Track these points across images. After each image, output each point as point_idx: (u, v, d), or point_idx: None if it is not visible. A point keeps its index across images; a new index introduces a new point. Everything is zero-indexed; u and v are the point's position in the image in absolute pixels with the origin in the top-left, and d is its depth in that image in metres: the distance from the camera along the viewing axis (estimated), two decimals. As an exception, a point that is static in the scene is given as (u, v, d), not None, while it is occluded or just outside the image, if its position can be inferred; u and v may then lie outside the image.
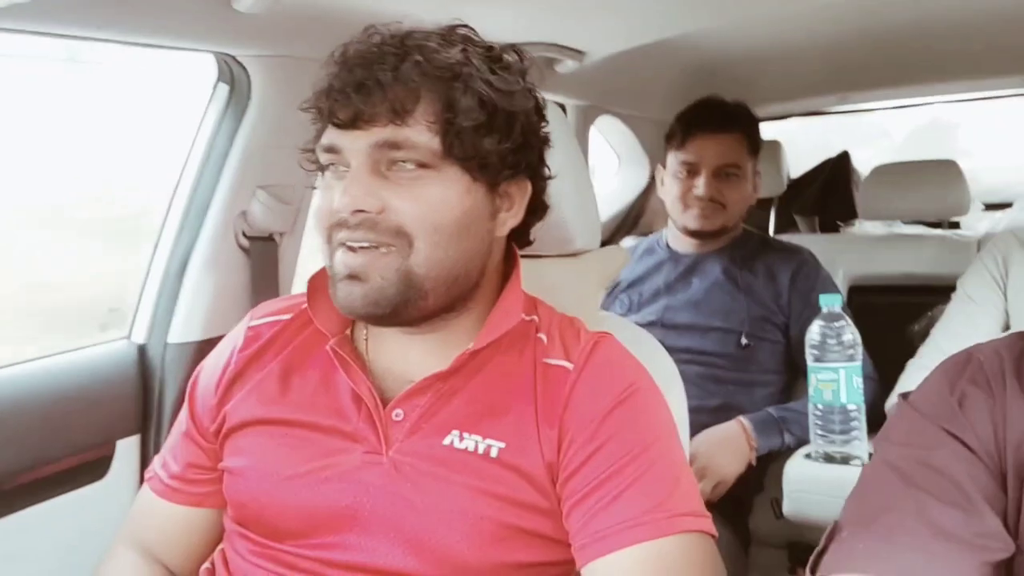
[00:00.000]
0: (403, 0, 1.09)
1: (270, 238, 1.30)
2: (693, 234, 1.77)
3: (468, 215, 0.78)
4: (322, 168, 0.80)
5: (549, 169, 0.87)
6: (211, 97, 1.25)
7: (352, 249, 0.77)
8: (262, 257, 1.29)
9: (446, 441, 0.79)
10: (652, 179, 2.29)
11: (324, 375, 0.85)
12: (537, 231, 0.93)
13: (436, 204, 0.76)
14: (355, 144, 0.76)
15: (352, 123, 0.76)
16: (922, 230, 2.23)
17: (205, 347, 1.10)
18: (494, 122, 0.77)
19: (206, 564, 0.91)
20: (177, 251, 1.26)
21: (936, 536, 0.56)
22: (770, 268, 1.73)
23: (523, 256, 0.91)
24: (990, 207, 2.49)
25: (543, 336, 0.85)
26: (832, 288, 1.68)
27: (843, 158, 2.49)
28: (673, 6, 1.51)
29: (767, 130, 2.65)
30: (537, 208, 0.88)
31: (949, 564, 0.55)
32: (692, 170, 1.74)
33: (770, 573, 1.70)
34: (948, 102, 2.59)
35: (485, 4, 1.24)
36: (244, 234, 1.28)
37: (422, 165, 0.76)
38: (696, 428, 1.54)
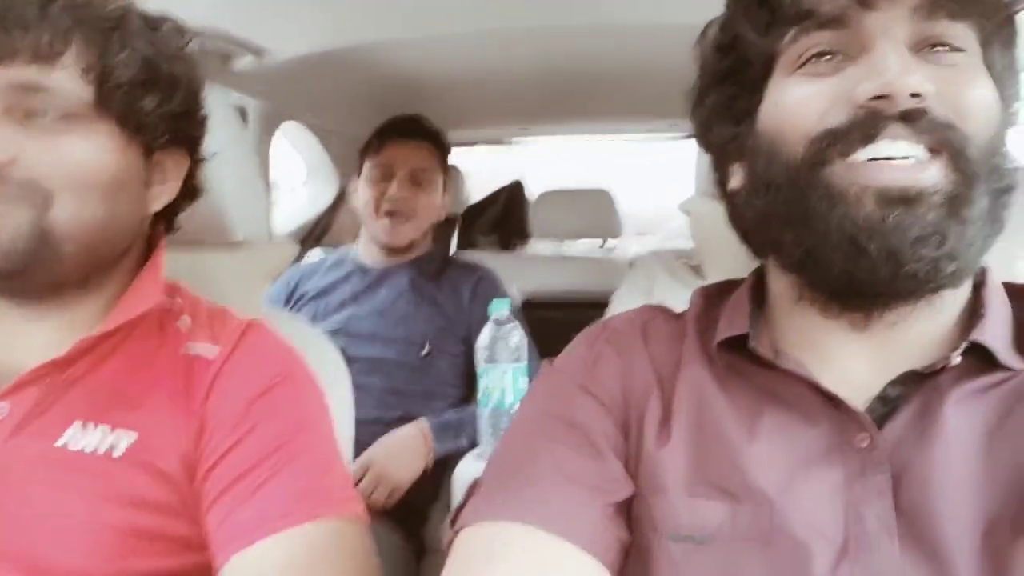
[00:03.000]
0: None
1: None
2: (384, 246, 1.80)
3: (120, 176, 0.72)
4: None
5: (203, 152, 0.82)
6: None
7: None
8: None
9: (60, 441, 0.69)
10: (341, 193, 2.27)
11: None
12: (193, 218, 0.86)
13: (83, 158, 0.69)
14: None
15: None
16: (584, 252, 2.48)
17: None
18: (156, 81, 0.72)
19: None
20: None
21: (567, 481, 0.59)
22: (454, 282, 1.80)
23: (179, 244, 0.84)
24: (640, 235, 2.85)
25: (184, 324, 0.79)
26: (506, 293, 1.80)
27: (517, 186, 2.69)
28: (359, 14, 1.51)
29: (452, 157, 2.79)
30: (191, 190, 0.82)
31: (577, 504, 0.58)
32: (386, 174, 1.79)
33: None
34: (612, 139, 2.88)
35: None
36: None
37: (66, 115, 0.68)
38: (375, 439, 1.54)
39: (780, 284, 0.65)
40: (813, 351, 0.62)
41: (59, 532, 0.67)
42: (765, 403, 0.61)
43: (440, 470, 1.58)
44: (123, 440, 0.71)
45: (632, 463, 0.63)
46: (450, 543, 0.61)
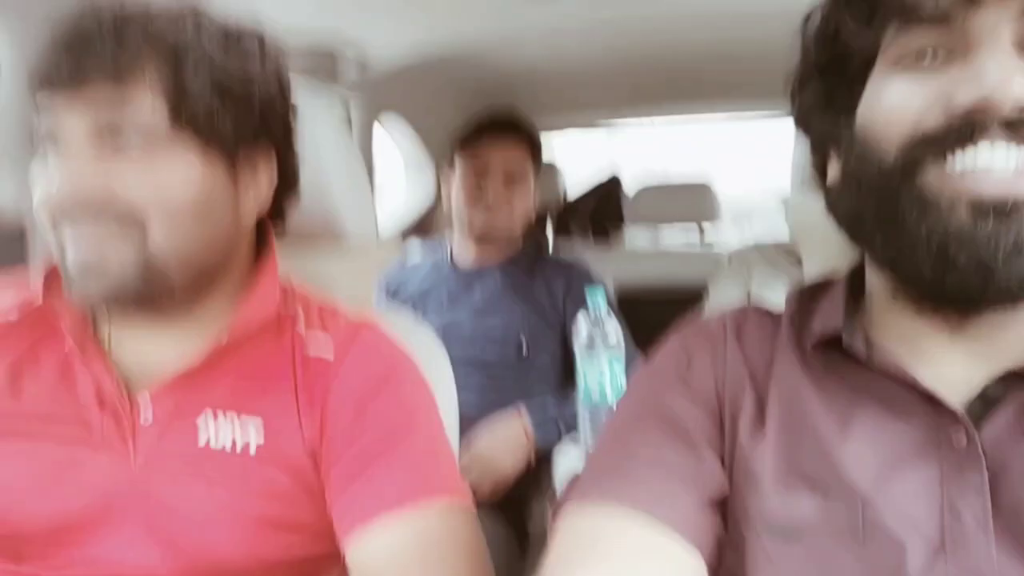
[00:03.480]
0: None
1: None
2: (479, 239, 1.81)
3: (207, 192, 0.73)
4: (42, 142, 0.71)
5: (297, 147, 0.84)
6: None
7: (80, 238, 0.69)
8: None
9: (200, 439, 0.75)
10: (438, 186, 2.32)
11: (62, 375, 0.77)
12: (303, 217, 0.90)
13: (169, 180, 0.70)
14: (71, 113, 0.69)
15: (66, 85, 0.68)
16: (680, 244, 2.45)
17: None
18: (226, 86, 0.73)
19: None
20: None
21: (667, 472, 0.61)
22: (547, 278, 1.81)
23: (289, 243, 0.88)
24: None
25: (301, 328, 0.82)
26: (601, 279, 1.80)
27: (614, 181, 2.67)
28: (456, 15, 1.56)
29: (547, 142, 2.80)
30: (289, 183, 0.84)
31: (677, 494, 0.60)
32: (481, 171, 1.80)
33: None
34: (707, 121, 2.84)
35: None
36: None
37: (150, 138, 0.70)
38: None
39: (876, 280, 0.65)
40: (909, 348, 0.61)
41: (207, 523, 0.73)
42: (859, 400, 0.61)
43: (542, 462, 1.60)
44: (252, 442, 0.75)
45: (727, 459, 0.64)
46: (554, 525, 0.63)
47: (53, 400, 0.75)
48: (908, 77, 0.57)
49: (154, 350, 0.78)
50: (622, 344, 1.42)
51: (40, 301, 0.77)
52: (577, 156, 2.81)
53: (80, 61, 0.67)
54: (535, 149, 1.88)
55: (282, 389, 0.78)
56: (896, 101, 0.57)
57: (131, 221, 0.69)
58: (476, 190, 1.80)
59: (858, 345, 0.62)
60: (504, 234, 1.82)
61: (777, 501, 0.59)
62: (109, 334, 0.80)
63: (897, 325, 0.63)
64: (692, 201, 2.32)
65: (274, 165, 0.81)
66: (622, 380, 1.40)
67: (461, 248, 1.87)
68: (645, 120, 2.71)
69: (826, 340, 0.64)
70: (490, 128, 1.84)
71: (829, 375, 0.63)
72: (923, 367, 0.60)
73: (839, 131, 0.62)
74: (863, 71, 0.61)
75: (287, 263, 0.92)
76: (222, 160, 0.74)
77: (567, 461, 1.39)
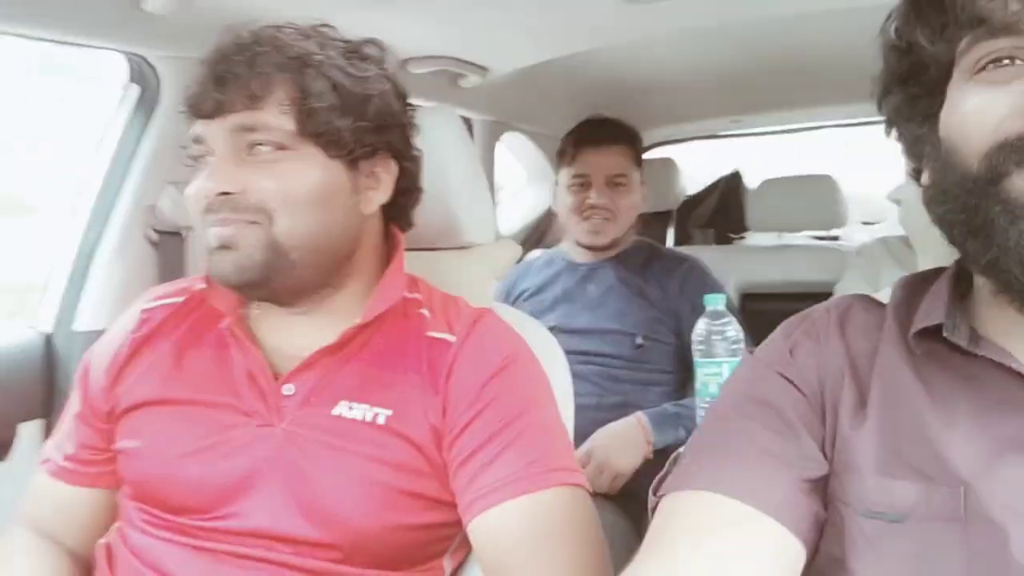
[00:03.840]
0: (310, 6, 1.16)
1: (178, 233, 1.34)
2: (587, 244, 1.88)
3: (325, 189, 0.84)
4: (197, 159, 0.85)
5: (419, 151, 0.95)
6: (122, 97, 1.30)
7: (221, 225, 0.82)
8: (170, 251, 1.33)
9: (335, 411, 0.84)
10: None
11: (217, 354, 0.89)
12: (428, 224, 0.99)
13: (292, 180, 0.82)
14: (215, 131, 0.83)
15: (213, 113, 0.82)
16: (806, 241, 2.39)
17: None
18: (347, 104, 0.84)
19: (102, 541, 0.93)
20: (85, 244, 1.29)
21: (760, 455, 0.63)
22: (660, 274, 1.85)
23: (414, 248, 0.97)
24: (866, 224, 2.69)
25: (426, 311, 0.91)
26: (718, 290, 1.79)
27: (735, 176, 2.65)
28: (572, 26, 1.61)
29: (664, 151, 2.80)
30: (409, 187, 0.94)
31: (771, 477, 0.62)
32: (584, 182, 1.86)
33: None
34: (829, 127, 2.77)
35: (389, 18, 1.31)
36: (154, 228, 1.32)
37: (280, 147, 0.82)
38: (595, 425, 1.62)
39: (978, 276, 0.65)
40: (1013, 341, 0.61)
41: (339, 487, 0.82)
42: (963, 389, 0.61)
43: (663, 459, 1.63)
44: (381, 415, 0.84)
45: (828, 444, 0.65)
46: (653, 510, 0.66)
47: (209, 374, 0.88)
48: (986, 85, 0.57)
49: (296, 335, 0.89)
50: (741, 342, 1.43)
51: (201, 286, 0.91)
52: (700, 166, 2.79)
53: (221, 93, 0.82)
54: (635, 150, 1.92)
55: (408, 368, 0.87)
56: (976, 110, 0.57)
57: (260, 212, 0.81)
58: (579, 198, 1.86)
59: (962, 335, 0.62)
60: (610, 238, 1.86)
61: (879, 487, 0.60)
62: (258, 319, 0.92)
63: (1000, 319, 0.63)
64: (816, 198, 2.23)
65: (393, 171, 0.91)
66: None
67: (575, 248, 1.94)
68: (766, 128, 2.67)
69: (929, 330, 0.63)
70: (589, 136, 1.89)
71: (932, 364, 0.64)
72: None
73: (925, 138, 0.63)
74: (942, 80, 0.61)
75: (413, 267, 1.01)
76: (341, 163, 0.85)
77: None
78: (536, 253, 2.15)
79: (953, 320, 0.63)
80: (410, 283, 0.95)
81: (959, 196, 0.58)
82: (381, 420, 0.84)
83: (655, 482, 0.69)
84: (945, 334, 0.63)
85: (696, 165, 2.77)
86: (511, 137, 2.39)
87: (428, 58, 1.61)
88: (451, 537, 0.87)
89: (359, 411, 0.84)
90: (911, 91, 0.64)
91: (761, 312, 2.13)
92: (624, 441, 1.60)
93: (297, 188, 0.83)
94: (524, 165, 2.60)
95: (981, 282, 0.64)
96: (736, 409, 0.68)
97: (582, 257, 1.92)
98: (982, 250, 0.57)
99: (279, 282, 0.84)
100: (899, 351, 0.66)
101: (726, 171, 2.70)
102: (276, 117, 0.82)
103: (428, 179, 0.98)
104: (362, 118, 0.85)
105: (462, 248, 1.14)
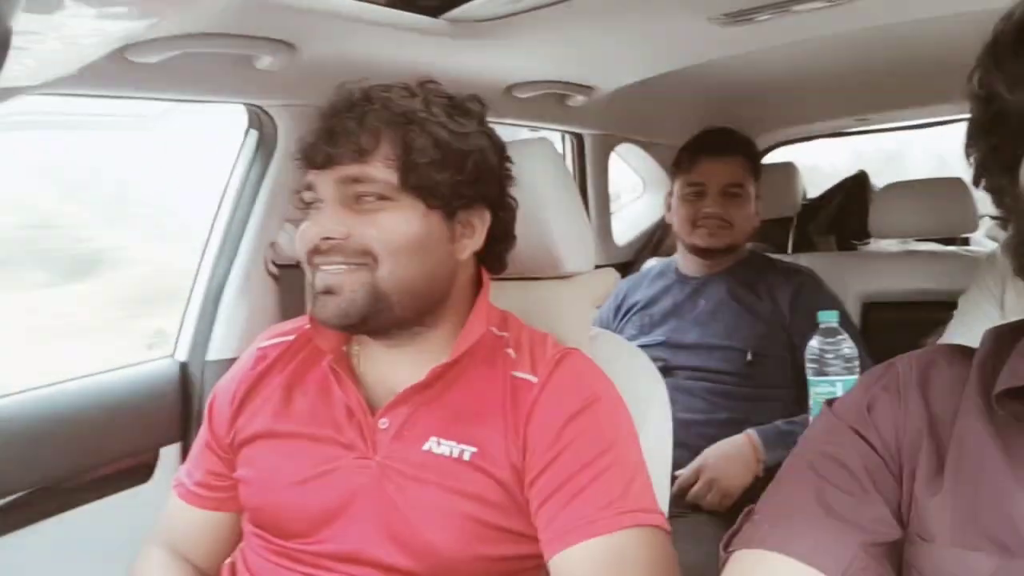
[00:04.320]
0: (413, 47, 1.22)
1: (297, 266, 1.41)
2: (702, 252, 1.86)
3: (424, 238, 0.89)
4: (308, 205, 0.92)
5: (514, 201, 0.98)
6: (243, 143, 1.40)
7: (326, 270, 0.89)
8: (290, 283, 1.42)
9: (425, 447, 0.89)
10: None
11: (322, 389, 0.96)
12: (526, 254, 1.03)
13: (394, 228, 0.88)
14: (325, 181, 0.89)
15: (324, 165, 0.89)
16: (933, 247, 2.26)
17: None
18: (447, 159, 0.89)
19: (229, 560, 1.01)
20: (215, 278, 1.40)
21: (828, 516, 0.62)
22: (772, 288, 1.82)
23: (513, 278, 1.01)
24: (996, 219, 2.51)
25: (511, 350, 0.94)
26: (832, 305, 1.71)
27: (860, 177, 2.54)
28: (674, 45, 1.60)
29: (785, 153, 2.72)
30: (502, 235, 0.98)
31: (837, 540, 0.61)
32: (700, 191, 1.84)
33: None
34: (958, 120, 2.61)
35: (492, 47, 1.35)
36: (274, 262, 1.42)
37: (383, 197, 0.88)
38: (706, 440, 1.62)
39: None
40: None
41: (424, 515, 0.87)
42: None
43: (773, 473, 1.60)
44: (467, 451, 0.89)
45: (904, 509, 0.63)
46: (724, 564, 0.66)
47: (314, 409, 0.95)
48: None
49: (392, 371, 0.95)
50: (856, 360, 1.39)
51: (309, 326, 0.97)
52: (820, 163, 2.70)
53: (332, 147, 0.88)
54: (753, 161, 1.91)
55: (492, 407, 0.90)
56: None
57: (364, 257, 0.87)
58: (694, 207, 1.85)
59: None
60: (725, 243, 1.85)
61: (953, 558, 0.58)
62: (359, 356, 0.98)
63: None
64: (945, 202, 2.09)
65: (487, 219, 0.95)
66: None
67: (686, 261, 1.93)
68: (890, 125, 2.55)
69: (1016, 390, 0.60)
70: (706, 146, 1.88)
71: (1014, 427, 0.60)
72: None
73: (1006, 190, 0.60)
74: (1022, 131, 0.58)
75: (513, 297, 1.05)
76: (440, 213, 0.90)
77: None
78: (652, 262, 2.14)
79: None
80: (500, 320, 0.99)
81: None
82: (467, 456, 0.88)
83: (726, 537, 0.69)
84: None
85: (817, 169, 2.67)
86: (625, 148, 2.39)
87: (532, 83, 1.64)
88: (535, 569, 0.90)
89: (447, 447, 0.89)
90: (992, 141, 0.61)
91: (885, 322, 2.06)
92: (734, 459, 1.59)
93: (398, 236, 0.88)
94: (639, 174, 2.59)
95: None
96: (809, 465, 0.67)
97: (694, 270, 1.90)
98: None
99: (377, 321, 0.90)
100: (980, 413, 0.62)
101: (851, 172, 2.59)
102: (381, 171, 0.88)
103: (525, 209, 1.01)
104: (460, 172, 0.90)
105: (560, 277, 1.16)
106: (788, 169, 2.38)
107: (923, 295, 2.04)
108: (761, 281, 1.84)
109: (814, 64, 1.95)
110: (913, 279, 2.09)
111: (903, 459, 0.64)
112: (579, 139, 2.23)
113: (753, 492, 1.58)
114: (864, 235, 2.36)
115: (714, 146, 1.87)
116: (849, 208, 2.46)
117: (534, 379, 0.91)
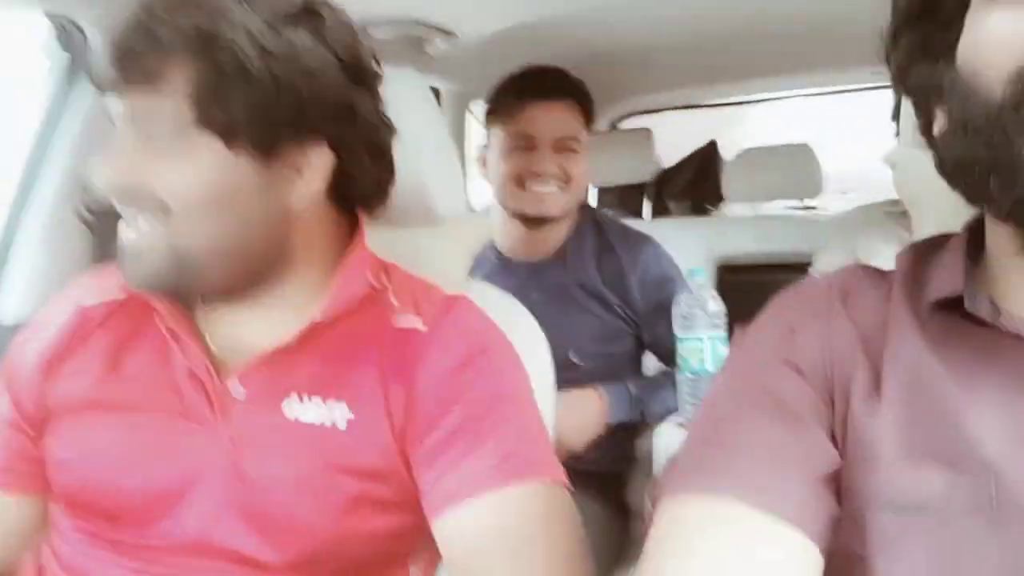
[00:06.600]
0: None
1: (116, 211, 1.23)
2: (532, 222, 1.56)
3: (229, 187, 0.73)
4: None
5: (381, 127, 0.83)
6: (46, 62, 1.19)
7: (126, 222, 0.74)
8: (108, 232, 1.21)
9: (290, 414, 0.76)
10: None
11: (158, 352, 0.80)
12: (395, 197, 0.90)
13: (187, 176, 0.71)
14: (119, 111, 0.73)
15: (116, 89, 0.73)
16: (782, 211, 2.36)
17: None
18: (259, 86, 0.71)
19: (28, 555, 0.84)
20: (10, 228, 1.19)
21: (772, 455, 0.58)
22: (616, 270, 1.59)
23: (381, 223, 0.88)
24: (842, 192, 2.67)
25: (394, 300, 0.83)
26: (677, 271, 1.62)
27: (711, 146, 2.63)
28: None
29: (641, 122, 2.74)
30: (362, 173, 0.81)
31: (784, 479, 0.57)
32: (528, 143, 1.54)
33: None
34: (806, 95, 2.73)
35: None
36: (88, 208, 1.21)
37: (177, 136, 0.71)
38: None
39: (999, 235, 0.59)
40: None
41: (289, 493, 0.75)
42: (986, 366, 0.56)
43: (633, 433, 1.55)
44: (340, 417, 0.76)
45: (839, 432, 0.60)
46: (651, 516, 0.61)
47: (150, 377, 0.79)
48: (1008, 8, 0.52)
49: (247, 329, 0.81)
50: (722, 317, 1.37)
51: None
52: (673, 136, 2.74)
53: (119, 68, 0.71)
54: (587, 109, 1.61)
55: (369, 363, 0.78)
56: (998, 33, 0.52)
57: (159, 211, 0.72)
58: (521, 165, 1.53)
59: (983, 306, 0.57)
60: (561, 210, 1.56)
61: (900, 476, 0.56)
62: (203, 313, 0.83)
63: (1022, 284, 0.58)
64: (793, 166, 2.20)
65: (327, 157, 0.78)
66: (723, 351, 1.36)
67: (508, 236, 1.61)
68: (745, 97, 2.62)
69: (945, 302, 0.60)
70: (532, 88, 1.56)
71: (950, 340, 0.59)
72: None
73: (940, 78, 0.58)
74: (959, 12, 0.56)
75: (379, 242, 0.93)
76: (251, 155, 0.73)
77: (666, 438, 1.36)
78: None
79: (972, 290, 0.58)
80: (379, 271, 0.86)
81: (982, 128, 0.52)
82: (340, 423, 0.76)
83: (651, 487, 0.63)
84: (967, 306, 0.57)
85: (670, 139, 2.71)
86: (480, 108, 2.30)
87: (391, 22, 1.51)
88: (414, 543, 0.80)
89: (315, 411, 0.76)
90: (925, 29, 0.59)
91: (737, 284, 2.11)
92: (576, 417, 1.43)
93: (192, 186, 0.72)
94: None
95: (1002, 244, 0.59)
96: (737, 400, 0.62)
97: (521, 251, 1.60)
98: (1008, 189, 0.51)
99: (194, 286, 0.76)
100: (912, 326, 0.60)
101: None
102: (172, 102, 0.70)
103: (395, 147, 0.87)
104: (277, 101, 0.72)
105: (432, 223, 1.05)
106: (644, 134, 2.41)
107: (773, 257, 2.12)
108: (603, 263, 1.59)
109: (675, 26, 1.94)
110: (766, 242, 2.16)
111: (835, 380, 0.61)
112: (436, 94, 2.11)
113: (615, 451, 1.52)
114: (716, 200, 2.44)
115: (543, 88, 1.55)
116: (703, 175, 2.54)
117: (421, 328, 0.80)
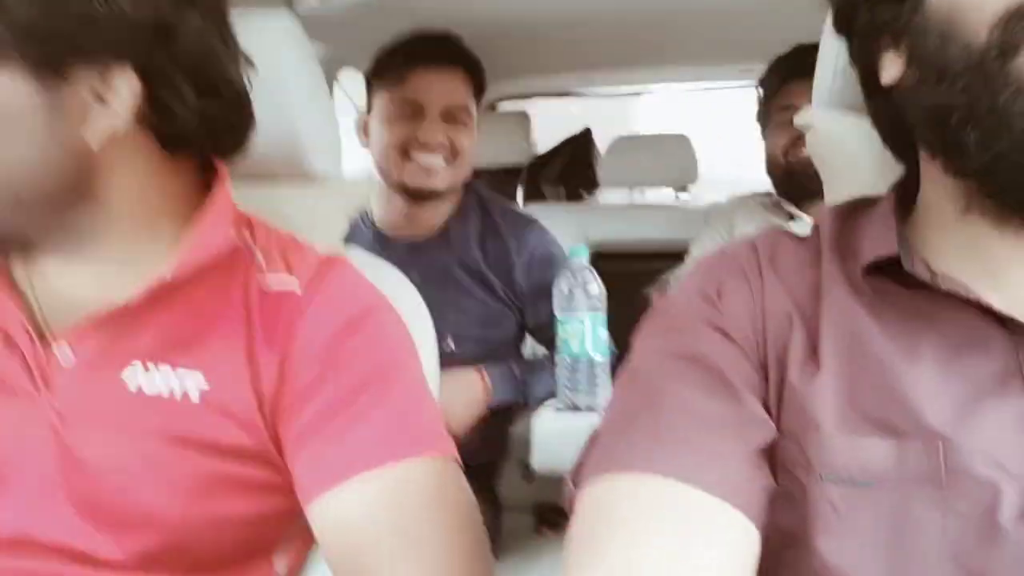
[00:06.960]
0: None
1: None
2: (415, 196, 1.48)
3: (2, 110, 0.61)
4: None
5: (226, 66, 0.71)
6: None
7: None
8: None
9: (131, 385, 0.65)
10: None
11: None
12: (264, 148, 0.80)
13: None
14: None
15: None
16: (657, 200, 2.40)
17: None
18: None
19: None
20: None
21: (703, 428, 0.54)
22: (501, 252, 1.53)
23: (250, 177, 0.79)
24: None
25: (260, 257, 0.73)
26: (563, 253, 1.56)
27: (586, 133, 2.65)
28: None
29: (518, 107, 2.71)
30: (177, 109, 0.68)
31: (717, 454, 0.53)
32: (415, 111, 1.46)
33: (518, 537, 1.70)
34: (682, 90, 2.79)
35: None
36: None
37: None
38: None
39: (940, 194, 0.57)
40: (981, 269, 0.55)
41: (135, 479, 0.64)
42: (925, 329, 0.55)
43: (506, 421, 1.50)
44: (192, 387, 0.66)
45: (773, 402, 0.57)
46: (572, 501, 0.56)
47: None
48: None
49: (76, 285, 0.69)
50: (602, 299, 1.34)
51: None
52: (549, 125, 2.73)
53: None
54: (478, 81, 1.55)
55: (231, 330, 0.68)
56: None
57: None
58: (406, 134, 1.45)
59: (920, 268, 0.55)
60: (447, 184, 1.48)
61: (842, 446, 0.53)
62: (26, 266, 0.71)
63: (965, 245, 0.56)
64: (668, 156, 2.23)
65: (135, 86, 0.66)
66: (603, 334, 1.33)
67: (388, 211, 1.54)
68: (619, 88, 2.63)
69: (879, 264, 0.57)
70: (422, 53, 1.48)
71: (886, 303, 0.57)
72: (998, 289, 0.54)
73: (902, 18, 0.54)
74: None
75: (248, 202, 0.82)
76: (31, 76, 0.61)
77: (545, 424, 1.31)
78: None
79: (906, 251, 0.56)
80: (240, 223, 0.75)
81: (960, 75, 0.49)
82: (193, 395, 0.65)
83: (572, 471, 0.58)
84: (906, 266, 0.55)
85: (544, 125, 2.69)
86: (348, 79, 2.19)
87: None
88: (281, 531, 0.72)
89: (162, 381, 0.66)
90: None
91: (611, 271, 2.09)
92: (460, 397, 1.38)
93: None
94: (359, 107, 2.41)
95: (943, 201, 0.57)
96: (661, 369, 0.58)
97: (402, 228, 1.52)
98: (987, 141, 0.49)
99: None
100: (846, 290, 0.58)
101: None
102: None
103: (263, 95, 0.77)
104: (64, 13, 0.60)
105: (307, 180, 0.95)
106: (520, 118, 2.40)
107: (647, 245, 2.14)
108: (487, 244, 1.53)
109: (555, 6, 1.90)
110: (639, 229, 2.18)
111: (767, 348, 0.58)
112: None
113: (492, 445, 1.49)
114: (590, 187, 2.45)
115: (435, 54, 1.48)
116: (577, 161, 2.53)
117: (296, 289, 0.70)
